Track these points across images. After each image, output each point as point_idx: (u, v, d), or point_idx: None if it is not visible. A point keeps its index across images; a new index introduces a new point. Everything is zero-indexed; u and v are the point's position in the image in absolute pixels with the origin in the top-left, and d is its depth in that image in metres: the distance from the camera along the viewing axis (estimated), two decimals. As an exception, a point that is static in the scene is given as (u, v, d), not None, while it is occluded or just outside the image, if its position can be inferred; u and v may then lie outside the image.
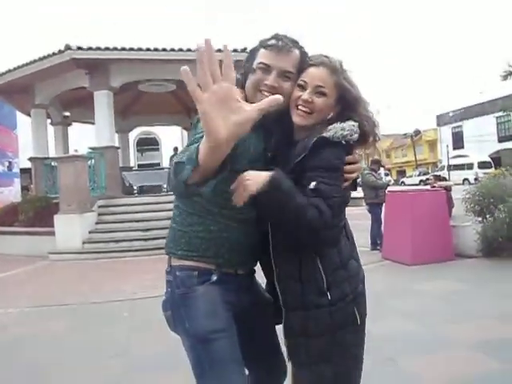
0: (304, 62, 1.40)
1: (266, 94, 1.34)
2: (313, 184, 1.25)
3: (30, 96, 12.03)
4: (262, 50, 1.40)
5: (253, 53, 1.44)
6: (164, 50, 10.42)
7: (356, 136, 1.32)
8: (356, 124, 1.33)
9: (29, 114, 12.78)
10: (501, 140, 33.60)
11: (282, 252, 1.39)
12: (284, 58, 1.37)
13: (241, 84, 1.43)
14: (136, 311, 4.64)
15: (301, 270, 1.36)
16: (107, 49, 10.13)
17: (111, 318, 4.51)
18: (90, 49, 10.02)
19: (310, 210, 1.21)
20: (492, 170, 21.71)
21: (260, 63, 1.38)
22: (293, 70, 1.38)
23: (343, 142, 1.30)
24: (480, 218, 6.63)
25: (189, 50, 10.36)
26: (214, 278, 1.42)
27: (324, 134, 1.29)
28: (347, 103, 1.39)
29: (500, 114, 29.54)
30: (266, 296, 1.59)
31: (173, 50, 10.36)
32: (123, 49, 10.15)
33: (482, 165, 28.10)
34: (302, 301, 1.36)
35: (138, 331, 4.00)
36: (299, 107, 1.37)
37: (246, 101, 1.32)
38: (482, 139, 33.63)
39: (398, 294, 4.75)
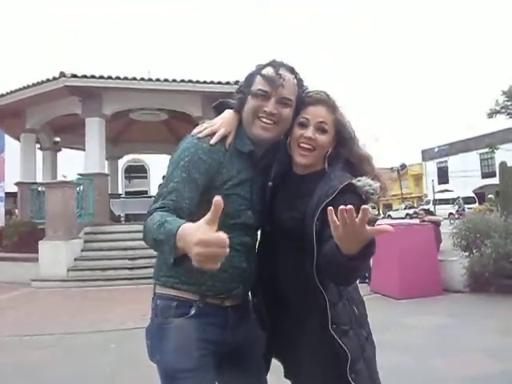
0: (301, 90, 1.43)
1: (264, 120, 1.37)
2: None
3: (20, 120, 12.02)
4: (260, 77, 1.40)
5: (250, 78, 1.44)
6: (157, 80, 10.59)
7: (375, 197, 1.33)
8: (379, 185, 1.34)
9: (18, 138, 12.74)
10: (484, 176, 34.38)
11: (338, 310, 1.35)
12: (282, 85, 1.38)
13: (237, 108, 1.46)
14: (123, 342, 4.52)
15: (350, 316, 1.38)
16: (101, 77, 10.25)
17: (97, 348, 4.39)
18: (84, 77, 10.13)
19: None
20: (476, 205, 22.14)
21: (259, 90, 1.38)
22: (291, 97, 1.39)
23: (363, 196, 1.31)
24: (467, 253, 6.71)
25: (182, 80, 10.56)
26: (193, 311, 1.35)
27: (354, 182, 1.31)
28: (343, 140, 1.43)
29: (483, 150, 30.33)
30: (259, 333, 1.50)
31: (166, 80, 10.54)
32: (117, 77, 10.30)
33: (467, 200, 28.58)
34: (361, 346, 1.38)
35: (125, 363, 3.90)
36: (301, 145, 1.39)
37: (242, 124, 1.44)
38: (466, 175, 34.37)
39: (387, 328, 4.72)
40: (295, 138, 1.40)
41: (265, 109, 1.37)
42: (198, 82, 10.74)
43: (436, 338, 4.35)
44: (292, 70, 1.43)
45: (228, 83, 10.52)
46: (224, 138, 1.39)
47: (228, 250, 0.92)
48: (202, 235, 0.92)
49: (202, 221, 0.94)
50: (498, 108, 17.34)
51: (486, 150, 27.27)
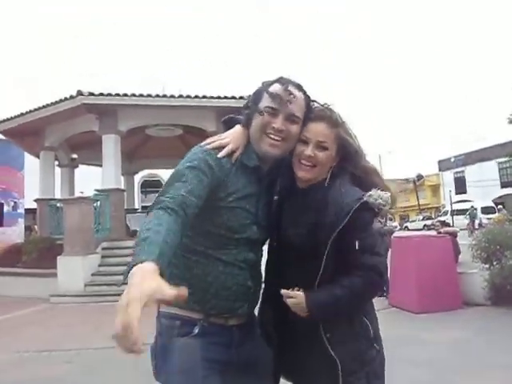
0: (308, 106, 1.44)
1: (272, 136, 1.38)
2: (357, 244, 1.33)
3: (40, 139, 12.33)
4: (268, 93, 1.40)
5: (257, 95, 1.44)
6: (172, 96, 10.76)
7: (387, 208, 1.38)
8: (389, 195, 1.38)
9: (37, 156, 13.03)
10: (503, 185, 33.75)
11: (333, 320, 1.38)
12: (291, 102, 1.39)
13: (244, 124, 1.46)
14: (139, 358, 4.51)
15: (354, 329, 1.40)
16: (117, 95, 10.46)
17: (113, 364, 4.40)
18: (100, 94, 10.37)
19: (358, 284, 1.33)
20: (496, 215, 21.70)
21: (267, 107, 1.39)
22: (299, 114, 1.40)
23: (376, 209, 1.37)
24: (487, 265, 6.57)
25: (196, 96, 10.70)
26: (196, 330, 1.33)
27: (366, 199, 1.34)
28: (348, 154, 1.44)
29: (502, 159, 29.83)
30: (265, 350, 1.47)
31: (181, 96, 10.71)
32: (133, 95, 10.51)
33: (486, 210, 28.05)
34: (361, 360, 1.38)
35: (141, 379, 3.88)
36: (302, 161, 1.41)
37: (250, 141, 1.44)
38: (484, 184, 33.78)
39: (406, 343, 4.63)
40: (297, 154, 1.43)
41: (273, 125, 1.38)
42: (211, 97, 10.88)
43: (456, 354, 4.24)
44: (300, 87, 1.44)
45: (241, 98, 10.60)
46: (232, 152, 1.40)
47: (141, 347, 0.85)
48: (128, 314, 0.84)
49: (157, 285, 0.88)
50: None
51: (505, 158, 26.77)
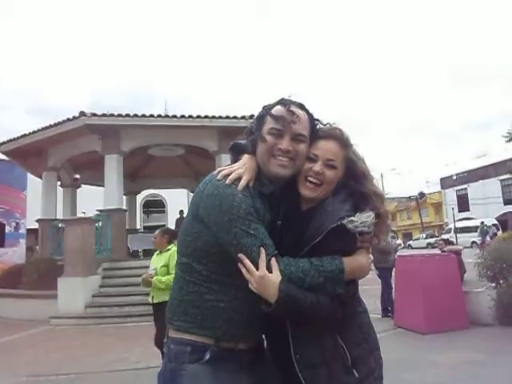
0: (313, 125, 1.44)
1: (280, 158, 1.36)
2: None
3: (42, 159, 12.38)
4: (272, 116, 1.40)
5: (260, 119, 1.44)
6: (174, 116, 10.84)
7: (371, 229, 1.32)
8: (373, 215, 1.32)
9: (40, 177, 13.06)
10: (506, 202, 33.63)
11: (302, 339, 1.33)
12: (295, 121, 1.38)
13: (251, 151, 1.45)
14: (140, 382, 4.42)
15: (325, 352, 1.31)
16: (120, 115, 10.54)
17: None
18: (103, 115, 10.45)
19: (322, 302, 1.26)
20: (499, 233, 21.52)
21: (272, 129, 1.38)
22: (305, 132, 1.40)
23: (357, 235, 1.31)
24: (494, 284, 6.46)
25: (198, 116, 10.78)
26: (207, 356, 1.31)
27: (345, 224, 1.28)
28: (354, 176, 1.42)
29: (504, 176, 29.81)
30: (274, 374, 1.43)
31: (183, 116, 10.76)
32: (135, 115, 10.59)
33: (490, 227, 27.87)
34: None
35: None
36: (309, 178, 1.38)
37: (258, 167, 1.42)
38: (487, 202, 33.66)
39: (413, 365, 4.53)
40: (303, 171, 1.39)
41: (280, 146, 1.36)
42: (213, 117, 10.95)
43: (465, 376, 4.12)
44: (302, 107, 1.44)
45: (243, 117, 10.68)
46: (247, 182, 1.37)
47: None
48: None
49: None
50: None
51: (507, 176, 26.77)
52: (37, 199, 13.34)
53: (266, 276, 1.22)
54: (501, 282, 6.36)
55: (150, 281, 4.41)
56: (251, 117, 9.01)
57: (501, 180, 33.64)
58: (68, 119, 10.55)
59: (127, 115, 10.54)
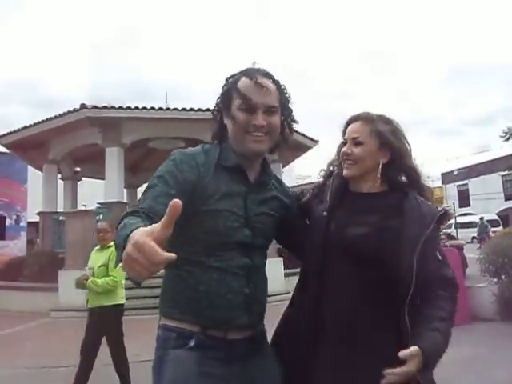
0: (282, 92, 1.40)
1: (255, 134, 1.33)
2: (438, 254, 1.34)
3: (43, 152, 12.33)
4: (240, 91, 1.33)
5: (227, 95, 1.38)
6: (175, 109, 10.81)
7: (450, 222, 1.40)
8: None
9: (41, 169, 13.03)
10: (507, 198, 33.56)
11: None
12: (265, 94, 1.33)
13: (219, 128, 1.43)
14: (139, 375, 4.40)
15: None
16: (120, 108, 10.49)
17: (110, 381, 4.29)
18: (104, 107, 10.41)
19: (449, 306, 1.30)
20: (500, 229, 21.50)
21: (242, 105, 1.32)
22: (276, 103, 1.36)
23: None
24: (496, 279, 6.44)
25: (200, 109, 10.71)
26: (192, 342, 1.26)
27: (447, 210, 1.38)
28: (391, 151, 1.42)
29: (505, 172, 29.74)
30: (276, 371, 1.35)
31: (184, 109, 10.73)
32: (136, 108, 10.53)
33: (490, 223, 27.85)
34: None
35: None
36: (345, 161, 1.44)
37: (226, 139, 1.41)
38: (488, 197, 33.61)
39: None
40: (340, 157, 1.47)
41: (254, 122, 1.32)
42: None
43: (466, 371, 4.09)
44: (268, 75, 1.38)
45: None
46: (208, 154, 1.37)
47: (158, 268, 0.82)
48: (140, 236, 0.84)
49: (157, 224, 0.86)
50: None
51: (509, 171, 26.72)
52: (37, 192, 13.33)
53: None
54: (503, 277, 6.35)
55: (84, 283, 3.92)
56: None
57: (502, 175, 33.55)
58: (69, 111, 10.48)
59: (128, 108, 10.49)
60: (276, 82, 1.39)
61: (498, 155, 33.64)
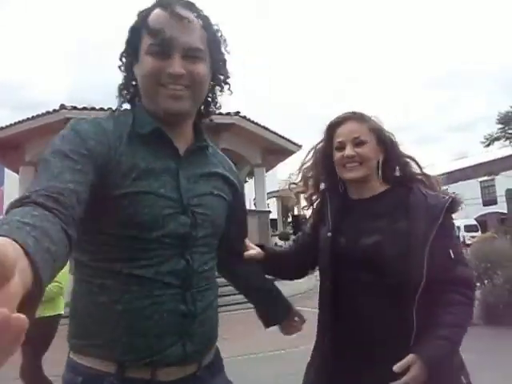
0: (211, 32, 1.04)
1: (171, 87, 0.98)
2: (451, 252, 1.23)
3: (20, 153, 11.96)
4: (149, 26, 0.98)
5: (134, 33, 1.02)
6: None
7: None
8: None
9: (17, 171, 12.66)
10: (485, 204, 34.25)
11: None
12: (185, 31, 0.97)
13: (126, 96, 1.10)
14: None
15: None
16: (101, 109, 10.26)
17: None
18: (84, 108, 10.19)
19: (463, 312, 1.23)
20: (479, 234, 21.90)
21: (152, 46, 0.97)
22: (200, 45, 1.01)
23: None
24: (478, 284, 6.47)
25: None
26: None
27: (454, 198, 1.27)
28: (386, 146, 1.37)
29: (484, 178, 30.38)
30: None
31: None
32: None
33: (469, 228, 28.34)
34: None
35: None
36: (347, 166, 1.33)
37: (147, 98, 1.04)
38: (466, 203, 34.13)
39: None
40: (338, 162, 1.36)
41: (168, 70, 0.97)
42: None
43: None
44: (192, 6, 1.01)
45: (228, 114, 10.51)
46: (118, 120, 1.03)
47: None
48: None
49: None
50: (495, 135, 17.62)
51: (487, 177, 27.42)
52: (14, 194, 12.93)
53: None
54: (485, 282, 6.39)
55: None
56: (237, 113, 8.81)
57: (480, 181, 34.26)
58: (48, 112, 10.24)
59: (109, 108, 10.21)
60: (203, 18, 1.02)
61: (476, 161, 34.39)
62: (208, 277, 1.05)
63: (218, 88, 1.15)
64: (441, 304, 1.20)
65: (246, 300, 1.35)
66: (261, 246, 1.39)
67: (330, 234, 1.33)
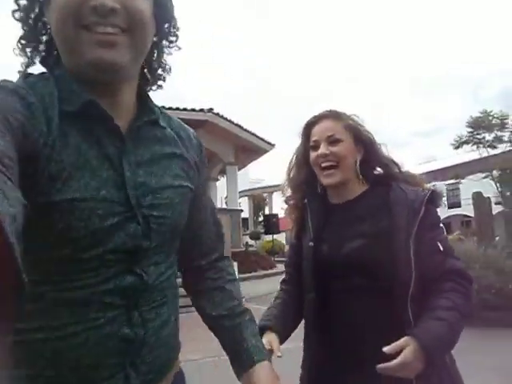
0: None
1: (100, 30, 0.70)
2: (440, 245, 1.16)
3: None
4: None
5: None
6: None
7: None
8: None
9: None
10: (450, 206, 35.33)
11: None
12: None
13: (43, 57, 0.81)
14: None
15: None
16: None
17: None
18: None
19: (459, 298, 1.11)
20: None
21: None
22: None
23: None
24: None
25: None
26: None
27: (434, 189, 1.24)
28: (365, 145, 1.31)
29: (450, 181, 31.31)
30: None
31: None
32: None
33: (435, 230, 29.12)
34: None
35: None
36: (322, 165, 1.27)
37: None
38: (433, 205, 35.15)
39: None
40: (314, 162, 1.30)
41: (92, 3, 0.68)
42: (170, 108, 10.54)
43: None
44: None
45: (202, 110, 10.36)
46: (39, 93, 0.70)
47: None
48: None
49: None
50: (464, 139, 18.36)
51: (452, 180, 28.32)
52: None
53: None
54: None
55: None
56: (210, 110, 8.65)
57: (447, 184, 35.30)
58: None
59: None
60: None
61: (442, 165, 35.44)
62: (165, 288, 0.83)
63: (165, 43, 0.87)
64: (435, 292, 1.13)
65: None
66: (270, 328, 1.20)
67: (311, 243, 1.29)
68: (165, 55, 0.88)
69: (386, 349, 1.00)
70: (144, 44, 0.76)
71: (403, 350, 1.00)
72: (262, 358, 0.93)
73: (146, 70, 0.87)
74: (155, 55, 0.86)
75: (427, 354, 1.01)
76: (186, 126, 0.95)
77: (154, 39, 0.82)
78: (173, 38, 0.87)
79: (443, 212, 34.97)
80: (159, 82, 0.90)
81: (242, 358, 0.93)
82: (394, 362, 0.98)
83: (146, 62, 0.83)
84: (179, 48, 0.88)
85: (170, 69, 0.90)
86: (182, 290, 0.99)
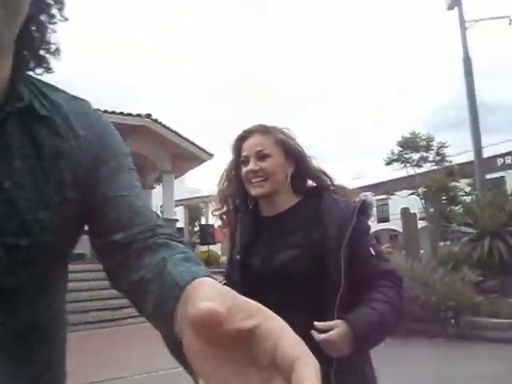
0: None
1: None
2: (372, 250, 1.22)
3: None
4: None
5: None
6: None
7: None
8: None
9: None
10: (379, 221, 37.11)
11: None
12: None
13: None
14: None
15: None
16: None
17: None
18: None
19: (392, 293, 1.17)
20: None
21: None
22: None
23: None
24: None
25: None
26: None
27: (365, 200, 1.27)
28: (295, 158, 1.33)
29: (380, 197, 32.97)
30: None
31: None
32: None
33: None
34: None
35: None
36: (252, 181, 1.29)
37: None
38: (363, 219, 36.81)
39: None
40: (244, 177, 1.31)
41: None
42: (106, 111, 10.11)
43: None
44: None
45: (139, 115, 10.05)
46: None
47: None
48: None
49: None
50: (394, 157, 19.73)
51: (383, 196, 29.85)
52: None
53: None
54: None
55: None
56: (148, 115, 8.37)
57: (377, 200, 37.09)
58: None
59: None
60: None
61: (373, 181, 37.25)
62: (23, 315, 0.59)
63: (45, 18, 0.65)
64: (369, 290, 1.18)
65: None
66: None
67: (238, 256, 1.30)
68: (48, 32, 0.66)
69: (317, 324, 1.06)
70: (20, 3, 0.54)
71: (334, 329, 1.06)
72: (194, 277, 0.46)
73: (24, 52, 0.64)
74: (35, 24, 0.64)
75: (355, 339, 1.07)
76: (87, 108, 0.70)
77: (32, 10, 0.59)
78: (54, 11, 0.65)
79: (373, 226, 36.47)
80: (44, 65, 0.67)
81: (165, 295, 0.48)
82: (321, 336, 1.04)
83: (22, 39, 0.61)
84: (65, 19, 0.66)
85: (58, 50, 0.68)
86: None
